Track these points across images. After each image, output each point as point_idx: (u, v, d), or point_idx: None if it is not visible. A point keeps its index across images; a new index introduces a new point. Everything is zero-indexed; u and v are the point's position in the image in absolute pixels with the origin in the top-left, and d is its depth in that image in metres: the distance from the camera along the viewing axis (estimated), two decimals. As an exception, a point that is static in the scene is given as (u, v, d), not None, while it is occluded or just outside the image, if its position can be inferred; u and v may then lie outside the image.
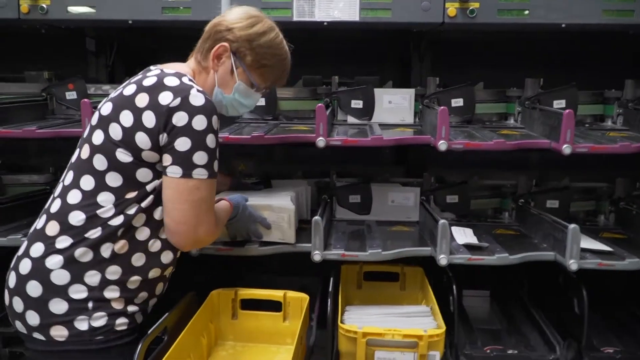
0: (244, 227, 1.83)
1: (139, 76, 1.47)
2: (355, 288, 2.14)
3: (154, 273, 1.48)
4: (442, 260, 1.80)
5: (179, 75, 1.42)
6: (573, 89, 2.15)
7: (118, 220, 1.38)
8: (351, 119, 2.34)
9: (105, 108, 1.42)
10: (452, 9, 1.99)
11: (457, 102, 2.22)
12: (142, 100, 1.37)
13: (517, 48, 2.52)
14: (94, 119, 1.45)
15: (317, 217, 1.82)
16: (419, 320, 1.79)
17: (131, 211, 1.40)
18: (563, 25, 2.00)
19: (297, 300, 1.82)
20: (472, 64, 2.51)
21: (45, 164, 2.64)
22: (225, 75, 1.53)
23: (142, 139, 1.36)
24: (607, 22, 1.98)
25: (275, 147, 2.66)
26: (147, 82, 1.40)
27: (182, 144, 1.34)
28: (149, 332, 1.43)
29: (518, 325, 2.11)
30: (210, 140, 1.38)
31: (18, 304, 1.40)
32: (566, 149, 1.81)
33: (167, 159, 1.37)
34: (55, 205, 1.43)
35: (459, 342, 1.91)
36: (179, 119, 1.34)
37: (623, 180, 2.34)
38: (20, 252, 1.44)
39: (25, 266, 1.40)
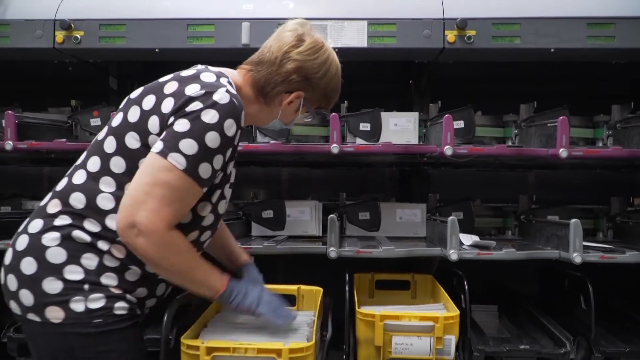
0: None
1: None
2: (367, 297, 2.19)
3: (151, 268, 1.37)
4: (453, 255, 1.88)
5: (219, 75, 1.37)
6: (565, 110, 2.32)
7: (115, 217, 1.29)
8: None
9: (135, 92, 1.40)
10: (451, 36, 2.20)
11: (458, 124, 2.37)
12: (170, 87, 1.33)
13: (509, 82, 2.73)
14: (122, 104, 1.42)
15: (332, 215, 1.93)
16: (434, 311, 1.84)
17: None
18: (552, 50, 2.21)
19: (311, 292, 1.87)
20: (469, 98, 2.70)
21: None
22: (289, 113, 1.54)
23: (153, 123, 1.31)
24: (591, 46, 2.20)
25: (285, 173, 2.81)
26: (185, 72, 1.37)
27: (180, 125, 1.26)
28: (178, 297, 1.46)
29: (528, 332, 2.16)
30: (210, 138, 1.27)
31: (12, 282, 1.32)
32: (562, 152, 1.96)
33: (162, 135, 1.29)
34: (61, 184, 1.39)
35: (472, 344, 1.95)
36: (193, 107, 1.27)
37: (618, 199, 2.47)
38: (20, 228, 1.38)
39: (22, 242, 1.34)
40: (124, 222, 1.24)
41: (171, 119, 1.28)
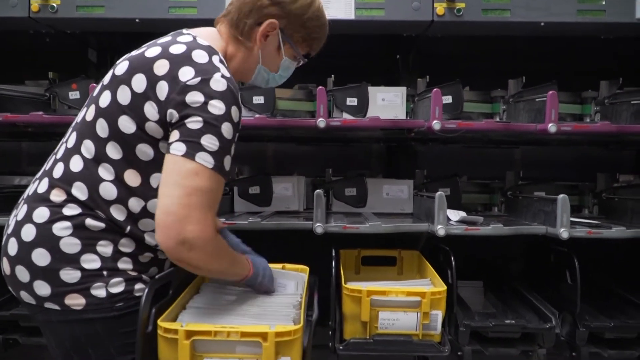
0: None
1: (167, 38, 1.35)
2: (354, 273, 2.17)
3: (162, 255, 1.38)
4: (440, 230, 1.87)
5: (210, 52, 1.29)
6: (554, 85, 2.30)
7: (121, 210, 1.29)
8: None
9: (121, 67, 1.30)
10: (440, 8, 2.16)
11: (446, 100, 2.34)
12: (161, 67, 1.25)
13: (498, 58, 2.69)
14: (107, 78, 1.33)
15: (318, 191, 1.89)
16: (421, 286, 1.83)
17: (135, 207, 1.30)
18: (542, 24, 2.18)
19: (296, 271, 1.83)
20: (457, 74, 2.67)
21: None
22: (271, 53, 1.45)
23: (150, 110, 1.24)
24: (581, 20, 2.17)
25: (271, 148, 2.78)
26: (174, 49, 1.28)
27: (194, 122, 1.20)
28: (157, 276, 1.36)
29: (513, 307, 2.16)
30: (225, 130, 1.23)
31: (23, 274, 1.28)
32: (552, 127, 1.94)
33: (174, 135, 1.22)
34: (57, 170, 1.32)
35: (458, 320, 1.95)
36: (194, 98, 1.21)
37: (604, 176, 2.47)
38: (20, 216, 1.31)
39: (28, 232, 1.28)
40: (173, 241, 1.19)
41: (174, 115, 1.22)
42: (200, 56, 1.27)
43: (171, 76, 1.23)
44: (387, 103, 2.38)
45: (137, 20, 2.22)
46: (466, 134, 2.12)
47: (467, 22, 2.18)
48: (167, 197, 1.20)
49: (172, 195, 1.20)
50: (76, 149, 1.31)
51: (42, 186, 1.32)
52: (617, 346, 2.00)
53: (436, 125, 1.93)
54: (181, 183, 1.20)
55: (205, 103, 1.21)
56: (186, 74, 1.23)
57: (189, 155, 1.20)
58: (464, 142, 2.62)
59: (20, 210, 1.33)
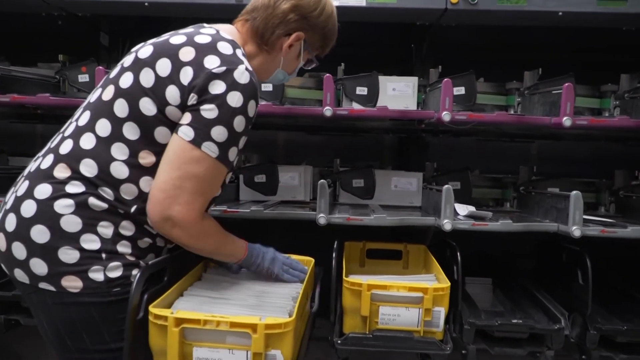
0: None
1: (190, 29, 1.39)
2: (358, 266, 2.13)
3: (160, 242, 1.39)
4: (447, 225, 1.82)
5: (234, 45, 1.34)
6: (571, 78, 2.22)
7: (131, 189, 1.29)
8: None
9: (144, 51, 1.33)
10: (454, -4, 2.09)
11: (459, 91, 2.27)
12: (187, 54, 1.29)
13: (514, 49, 2.61)
14: (128, 60, 1.35)
15: (322, 181, 1.85)
16: (424, 282, 1.78)
17: (146, 187, 1.30)
18: (560, 14, 2.10)
19: (302, 263, 1.80)
20: (471, 64, 2.59)
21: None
22: (291, 59, 1.54)
23: (172, 93, 1.27)
24: (602, 10, 2.08)
25: (280, 137, 2.74)
26: (200, 39, 1.32)
27: (208, 111, 1.25)
28: (151, 262, 1.34)
29: (522, 306, 2.10)
30: (237, 123, 1.28)
31: (19, 251, 1.26)
32: (566, 121, 1.87)
33: (186, 117, 1.26)
34: (65, 147, 1.31)
35: (463, 317, 1.89)
36: (216, 86, 1.25)
37: (622, 172, 2.39)
38: (21, 192, 1.30)
39: (28, 208, 1.26)
40: (158, 216, 1.27)
41: (193, 98, 1.26)
42: (225, 48, 1.31)
43: (197, 62, 1.27)
44: (398, 93, 2.32)
45: (146, 3, 2.20)
46: (478, 127, 2.07)
47: (482, 11, 2.12)
48: (165, 174, 1.26)
49: (169, 174, 1.26)
50: (89, 127, 1.31)
51: (46, 162, 1.32)
52: (630, 351, 1.92)
53: (446, 116, 1.88)
54: (181, 166, 1.25)
55: (226, 93, 1.25)
56: (212, 62, 1.27)
57: (196, 142, 1.25)
58: (477, 134, 2.55)
59: (21, 187, 1.32)
